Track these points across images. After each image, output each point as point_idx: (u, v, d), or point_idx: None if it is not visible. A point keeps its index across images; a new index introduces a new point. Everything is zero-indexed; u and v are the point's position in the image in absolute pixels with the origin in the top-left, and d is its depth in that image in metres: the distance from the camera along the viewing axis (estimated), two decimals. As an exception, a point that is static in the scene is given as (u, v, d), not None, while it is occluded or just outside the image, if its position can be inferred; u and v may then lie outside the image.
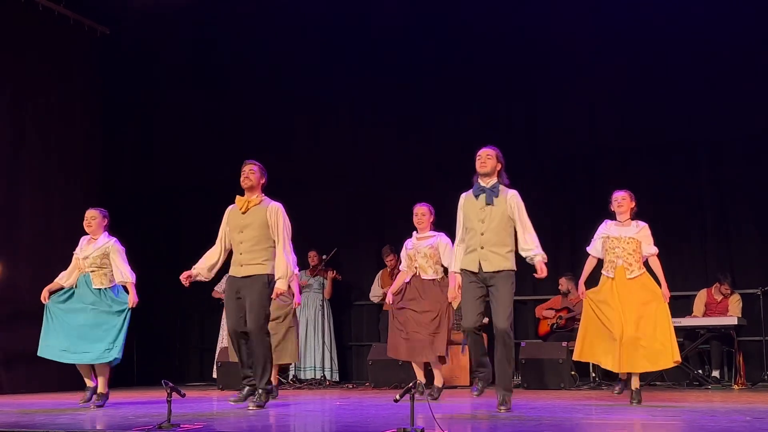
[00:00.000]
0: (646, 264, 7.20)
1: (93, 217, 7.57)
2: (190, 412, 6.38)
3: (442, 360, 8.01)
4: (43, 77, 10.96)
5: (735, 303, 9.92)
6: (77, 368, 7.50)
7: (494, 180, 6.44)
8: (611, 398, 7.52)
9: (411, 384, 4.88)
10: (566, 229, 11.13)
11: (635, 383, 7.08)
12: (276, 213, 6.81)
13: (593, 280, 7.43)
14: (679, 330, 9.75)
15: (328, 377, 11.20)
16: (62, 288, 7.53)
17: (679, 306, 10.20)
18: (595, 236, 7.32)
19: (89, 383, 7.48)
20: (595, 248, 7.31)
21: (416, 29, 11.82)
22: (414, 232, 8.18)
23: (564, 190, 11.39)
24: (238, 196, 6.96)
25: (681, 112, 10.75)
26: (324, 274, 11.46)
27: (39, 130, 10.86)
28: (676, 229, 10.68)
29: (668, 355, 6.99)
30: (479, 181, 6.48)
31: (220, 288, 10.44)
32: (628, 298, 7.02)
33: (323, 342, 11.35)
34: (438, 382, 8.04)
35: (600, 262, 7.33)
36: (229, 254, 7.04)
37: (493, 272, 6.29)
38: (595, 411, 6.52)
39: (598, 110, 11.18)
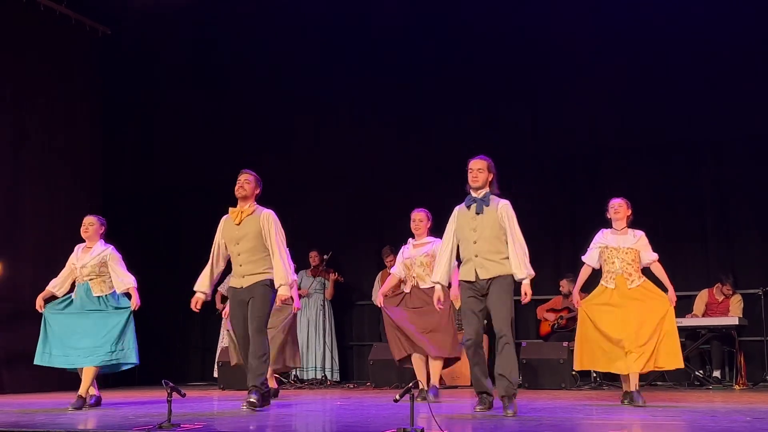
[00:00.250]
0: (646, 271, 7.18)
1: (90, 224, 7.55)
2: (190, 412, 6.38)
3: (448, 362, 7.99)
4: (44, 77, 10.97)
5: (736, 303, 9.92)
6: (79, 375, 7.47)
7: (485, 190, 6.44)
8: (612, 398, 7.51)
9: (411, 384, 4.88)
10: (567, 230, 11.13)
11: (635, 384, 7.06)
12: (268, 220, 6.78)
13: (589, 288, 7.43)
14: (680, 330, 9.76)
15: (329, 377, 11.20)
16: (55, 297, 7.51)
17: (680, 306, 10.16)
18: (592, 245, 7.29)
19: (91, 392, 7.45)
20: (591, 257, 7.28)
21: (416, 29, 11.81)
22: (411, 239, 8.13)
23: (564, 191, 11.39)
24: (231, 208, 6.93)
25: (681, 112, 10.75)
26: (326, 276, 11.46)
27: (40, 130, 10.87)
28: (676, 229, 10.69)
29: (675, 358, 6.99)
30: (471, 192, 6.49)
31: (223, 289, 10.36)
32: (630, 306, 7.00)
33: (324, 342, 11.35)
34: (434, 381, 7.97)
35: (595, 271, 7.32)
36: (227, 263, 7.04)
37: (490, 279, 6.28)
38: (595, 411, 6.52)
39: (598, 110, 11.17)
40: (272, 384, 8.42)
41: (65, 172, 11.09)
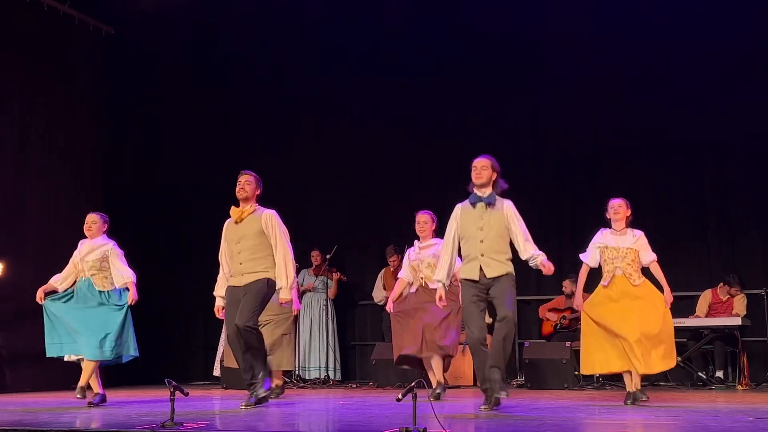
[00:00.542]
0: (645, 271, 7.18)
1: (93, 222, 7.59)
2: (193, 411, 6.37)
3: (447, 359, 7.99)
4: (47, 76, 10.98)
5: (740, 300, 9.90)
6: (81, 366, 7.49)
7: (490, 189, 6.50)
8: (615, 399, 7.51)
9: (414, 383, 4.88)
10: (568, 230, 11.13)
11: (636, 384, 7.07)
12: (271, 220, 6.80)
13: (590, 287, 7.42)
14: (683, 330, 9.80)
15: (331, 377, 11.20)
16: (56, 291, 7.52)
17: (683, 306, 10.20)
18: (591, 245, 7.29)
19: (95, 389, 7.45)
20: (591, 257, 7.28)
21: (416, 29, 11.82)
22: (416, 241, 8.13)
23: (565, 191, 11.40)
24: (233, 207, 6.94)
25: (681, 112, 10.75)
26: (329, 275, 11.46)
27: (42, 130, 10.89)
28: (677, 229, 10.70)
29: (672, 359, 7.01)
30: (475, 191, 6.52)
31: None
32: (631, 302, 7.00)
33: (327, 342, 11.35)
34: (438, 377, 7.98)
35: (594, 270, 7.33)
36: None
37: (495, 277, 6.35)
38: (598, 411, 6.52)
39: (598, 110, 11.18)
40: (279, 381, 8.42)
41: (67, 172, 11.10)
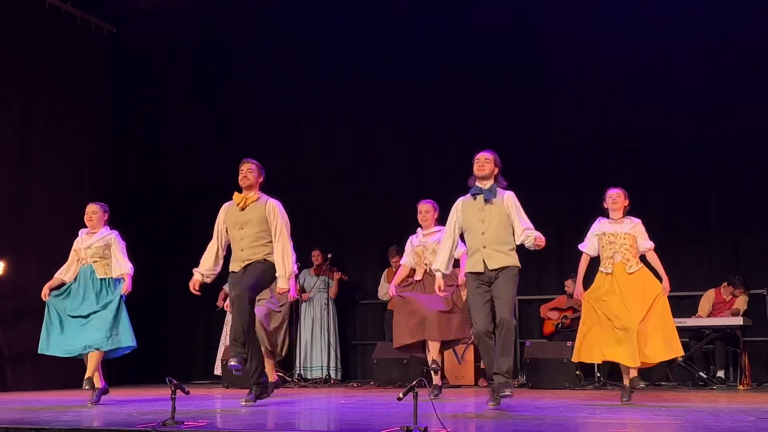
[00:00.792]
0: (643, 260, 7.19)
1: (94, 212, 7.61)
2: (194, 410, 6.36)
3: (451, 342, 7.98)
4: (49, 76, 10.98)
5: (742, 300, 9.88)
6: (85, 362, 7.49)
7: (491, 182, 6.58)
8: (616, 398, 7.50)
9: (415, 382, 4.88)
10: (569, 230, 11.10)
11: (628, 377, 7.07)
12: (274, 210, 6.84)
13: (589, 279, 7.42)
14: (684, 330, 9.79)
15: (332, 376, 11.21)
16: (63, 283, 7.55)
17: (685, 306, 10.21)
18: (589, 234, 7.31)
19: (96, 384, 7.45)
20: (590, 246, 7.29)
21: (416, 29, 11.83)
22: (419, 229, 8.15)
23: (564, 191, 11.40)
24: (236, 193, 6.96)
25: (681, 112, 10.76)
26: (330, 275, 11.46)
27: (44, 129, 10.89)
28: (679, 229, 10.71)
29: (674, 347, 6.99)
30: (477, 183, 6.59)
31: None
32: (630, 290, 7.01)
33: (328, 341, 11.35)
34: (436, 380, 7.98)
35: (594, 261, 7.33)
36: (228, 250, 7.05)
37: (498, 269, 6.40)
38: (599, 410, 6.51)
39: (598, 110, 11.18)
40: (272, 377, 8.41)
41: (68, 171, 11.11)
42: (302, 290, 11.34)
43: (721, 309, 9.94)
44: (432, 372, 7.81)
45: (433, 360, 7.85)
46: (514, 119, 11.60)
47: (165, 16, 11.81)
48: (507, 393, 6.28)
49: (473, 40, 11.61)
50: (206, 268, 7.01)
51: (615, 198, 7.21)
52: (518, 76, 11.49)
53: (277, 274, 6.75)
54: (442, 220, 7.97)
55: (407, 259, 8.18)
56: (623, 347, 6.95)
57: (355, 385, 10.64)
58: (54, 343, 7.38)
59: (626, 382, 7.13)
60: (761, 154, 10.49)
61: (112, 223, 7.82)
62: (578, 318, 10.03)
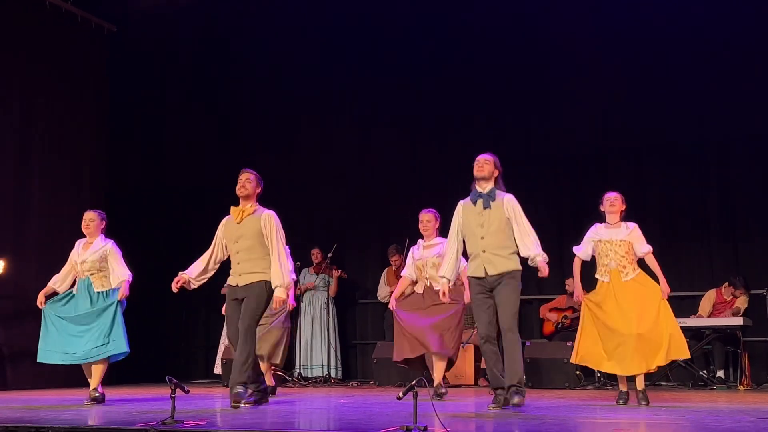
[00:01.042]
0: (641, 263, 7.17)
1: (91, 219, 7.59)
2: (194, 409, 6.37)
3: (450, 362, 7.98)
4: (49, 76, 10.98)
5: (742, 300, 9.86)
6: (84, 372, 7.49)
7: (491, 185, 6.52)
8: (615, 398, 7.50)
9: (415, 381, 4.88)
10: (569, 230, 11.08)
11: (640, 384, 7.07)
12: (269, 221, 6.81)
13: (586, 281, 7.41)
14: (685, 330, 9.76)
15: (332, 375, 11.21)
16: (56, 293, 7.53)
17: (685, 306, 10.21)
18: (585, 239, 7.27)
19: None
20: (583, 251, 7.26)
21: (416, 29, 11.83)
22: (420, 240, 8.11)
23: (565, 191, 11.40)
24: (233, 207, 6.95)
25: (681, 112, 10.76)
26: (330, 273, 11.46)
27: (46, 129, 10.90)
28: (679, 229, 10.71)
29: (680, 345, 6.97)
30: (476, 186, 6.55)
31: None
32: (627, 298, 6.97)
33: (328, 340, 11.35)
34: (437, 379, 7.96)
35: (587, 264, 7.31)
36: (222, 265, 7.05)
37: (498, 275, 6.36)
38: (599, 410, 6.51)
39: (598, 110, 11.18)
40: (270, 381, 8.41)
41: (68, 171, 11.11)
42: (303, 293, 11.33)
43: (722, 309, 9.93)
44: (437, 394, 7.76)
45: (438, 384, 7.83)
46: (515, 119, 11.60)
47: (165, 15, 11.82)
48: (516, 401, 6.25)
49: (473, 40, 11.61)
50: (194, 274, 6.99)
51: (612, 201, 7.17)
52: (518, 76, 11.48)
53: (273, 285, 6.74)
54: (443, 230, 7.95)
55: (408, 271, 8.14)
56: (621, 357, 6.92)
57: (355, 384, 10.64)
58: (53, 350, 7.38)
59: (622, 387, 7.11)
60: (761, 154, 10.49)
61: (112, 223, 7.82)
62: (578, 318, 10.05)
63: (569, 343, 9.54)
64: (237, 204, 6.95)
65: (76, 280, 7.55)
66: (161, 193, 12.87)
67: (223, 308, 7.05)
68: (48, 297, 7.51)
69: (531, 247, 6.39)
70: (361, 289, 12.08)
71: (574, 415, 6.07)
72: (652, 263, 7.16)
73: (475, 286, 6.47)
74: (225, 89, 12.79)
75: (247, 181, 6.90)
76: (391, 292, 8.83)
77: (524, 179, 10.99)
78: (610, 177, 10.93)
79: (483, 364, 9.94)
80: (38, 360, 7.46)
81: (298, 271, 10.73)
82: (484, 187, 6.51)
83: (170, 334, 12.60)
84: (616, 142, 11.13)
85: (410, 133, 12.12)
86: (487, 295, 6.41)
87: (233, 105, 12.79)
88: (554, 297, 10.74)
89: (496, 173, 6.55)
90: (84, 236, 7.62)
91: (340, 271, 11.55)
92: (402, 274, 8.31)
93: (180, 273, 7.01)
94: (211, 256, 7.01)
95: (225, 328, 10.57)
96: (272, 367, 8.55)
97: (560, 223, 11.20)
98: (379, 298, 11.33)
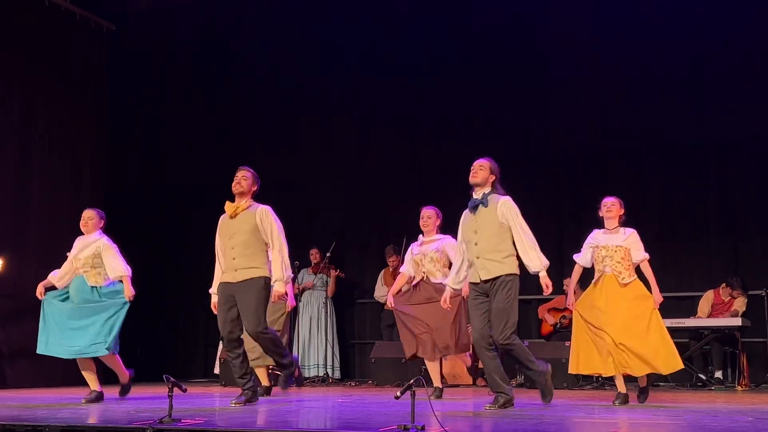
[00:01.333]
0: (638, 270, 7.15)
1: (90, 218, 7.60)
2: (191, 408, 6.37)
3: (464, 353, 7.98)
4: (48, 75, 10.98)
5: (740, 301, 9.85)
6: (81, 372, 7.50)
7: (486, 190, 6.45)
8: (614, 398, 7.49)
9: (412, 381, 4.87)
10: (569, 230, 11.09)
11: (642, 382, 7.07)
12: (266, 216, 6.79)
13: (583, 287, 7.41)
14: (683, 330, 9.78)
15: (330, 375, 11.20)
16: (54, 287, 7.54)
17: (684, 307, 10.19)
18: (584, 246, 7.25)
19: (93, 387, 7.45)
20: (583, 258, 7.24)
21: (416, 29, 11.83)
22: (420, 236, 8.11)
23: (565, 191, 11.39)
24: (227, 202, 6.94)
25: (681, 112, 10.76)
26: (327, 272, 11.46)
27: (46, 129, 10.90)
28: (679, 229, 10.70)
29: (669, 359, 6.95)
30: (473, 194, 6.50)
31: None
32: (618, 301, 6.94)
33: (326, 339, 11.35)
34: (436, 383, 7.95)
35: (587, 272, 7.30)
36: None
37: (491, 279, 6.31)
38: (597, 410, 6.51)
39: (598, 110, 11.18)
40: (265, 382, 8.41)
41: (69, 171, 11.11)
42: (301, 292, 11.33)
43: (720, 310, 9.92)
44: (433, 394, 7.78)
45: (436, 387, 7.86)
46: (514, 119, 11.59)
47: (165, 15, 11.82)
48: (546, 400, 6.38)
49: (473, 40, 11.61)
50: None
51: (609, 206, 7.13)
52: (518, 76, 11.47)
53: (273, 279, 6.72)
54: (444, 228, 7.97)
55: (407, 268, 8.14)
56: (608, 362, 6.91)
57: (353, 384, 10.64)
58: (52, 343, 7.38)
59: (620, 388, 7.10)
60: (761, 154, 10.48)
61: (112, 223, 7.82)
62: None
63: (567, 344, 9.53)
64: (233, 200, 6.94)
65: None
66: (161, 193, 12.88)
67: (212, 305, 6.98)
68: (47, 290, 7.51)
69: (533, 258, 6.33)
70: (360, 289, 12.08)
71: (572, 415, 6.07)
72: (647, 271, 7.12)
73: (472, 291, 6.45)
74: (225, 89, 12.78)
75: (243, 178, 6.89)
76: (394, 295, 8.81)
77: (524, 179, 11.00)
78: (609, 177, 10.93)
79: (481, 364, 9.94)
80: (37, 352, 7.46)
81: (296, 270, 10.76)
82: (479, 193, 6.47)
83: (169, 333, 12.59)
84: (616, 142, 11.12)
85: (410, 133, 12.12)
86: (483, 299, 6.36)
87: (233, 105, 12.78)
88: (553, 297, 10.72)
89: (492, 178, 6.47)
90: (83, 235, 7.62)
91: (337, 270, 11.54)
92: (401, 270, 8.30)
93: (212, 296, 6.98)
94: (221, 264, 6.96)
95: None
96: (269, 367, 8.53)
97: (560, 223, 11.19)
98: (375, 297, 11.33)
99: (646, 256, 7.09)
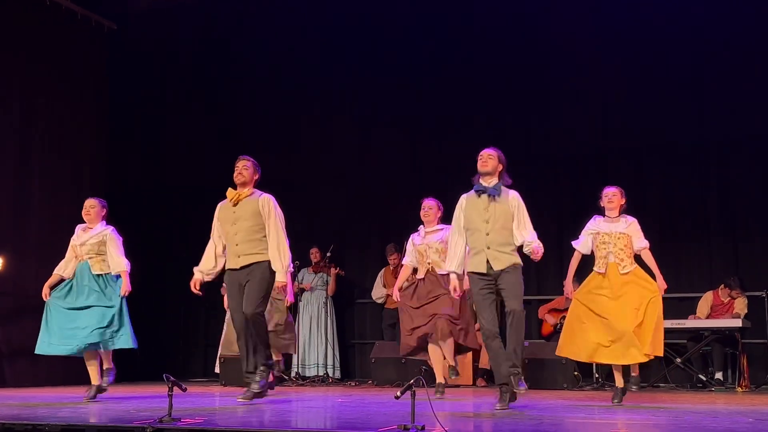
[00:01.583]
0: (638, 259, 7.15)
1: (92, 206, 7.63)
2: (191, 407, 6.37)
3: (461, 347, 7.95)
4: (49, 75, 10.98)
5: (741, 302, 9.84)
6: (85, 362, 7.51)
7: (495, 180, 6.48)
8: (612, 397, 7.49)
9: (412, 381, 4.87)
10: (569, 230, 11.04)
11: (635, 370, 7.06)
12: (268, 204, 6.82)
13: (581, 278, 7.39)
14: (683, 332, 9.77)
15: (330, 374, 11.20)
16: (62, 280, 7.56)
17: (685, 307, 10.18)
18: (583, 232, 7.23)
19: (94, 381, 7.47)
20: (583, 244, 7.21)
21: (416, 29, 11.83)
22: (421, 227, 8.10)
23: (565, 191, 11.38)
24: (229, 189, 6.96)
25: (681, 112, 10.76)
26: (327, 271, 11.46)
27: (46, 129, 10.90)
28: (679, 229, 10.69)
29: (657, 346, 6.90)
30: (480, 181, 6.51)
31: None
32: (622, 292, 6.92)
33: (326, 339, 11.35)
34: (449, 359, 7.89)
35: (585, 259, 7.29)
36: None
37: (503, 269, 6.35)
38: (597, 411, 6.51)
39: (598, 110, 11.18)
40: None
41: (69, 171, 11.12)
42: (299, 293, 11.33)
43: (720, 311, 9.91)
44: (451, 374, 7.77)
45: (439, 384, 7.85)
46: (515, 119, 11.59)
47: (165, 15, 11.82)
48: (522, 390, 6.27)
49: (473, 40, 11.61)
50: (207, 268, 7.02)
51: (611, 197, 7.13)
52: (518, 76, 11.48)
53: (273, 268, 6.74)
54: (445, 220, 7.95)
55: (409, 259, 8.12)
56: (614, 347, 6.87)
57: (353, 384, 10.64)
58: (53, 342, 7.39)
59: (618, 383, 7.10)
60: (761, 154, 10.48)
61: (112, 222, 7.82)
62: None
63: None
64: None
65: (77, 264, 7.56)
66: (161, 192, 12.88)
67: (192, 282, 7.00)
68: (52, 288, 7.52)
69: (526, 235, 6.39)
70: (360, 289, 12.06)
71: (572, 415, 6.07)
72: (649, 259, 7.11)
73: (477, 282, 6.42)
74: (225, 89, 12.78)
75: (244, 168, 6.92)
76: (388, 294, 8.81)
77: (524, 179, 10.87)
78: (610, 177, 10.83)
79: (481, 365, 9.94)
80: (36, 351, 7.47)
81: (297, 270, 10.76)
82: (489, 182, 6.48)
83: (169, 332, 12.59)
84: (616, 142, 11.12)
85: (410, 133, 12.12)
86: (491, 290, 6.39)
87: (233, 105, 12.78)
88: (553, 298, 10.72)
89: (500, 168, 6.53)
90: (84, 223, 7.65)
91: (338, 269, 11.54)
92: (403, 262, 8.27)
93: (195, 273, 6.98)
94: (215, 247, 6.99)
95: (225, 327, 10.65)
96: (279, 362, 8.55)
97: (560, 223, 11.18)
98: (373, 298, 11.30)
99: (647, 243, 7.09)
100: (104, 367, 7.47)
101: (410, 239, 8.15)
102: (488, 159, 6.50)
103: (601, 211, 7.23)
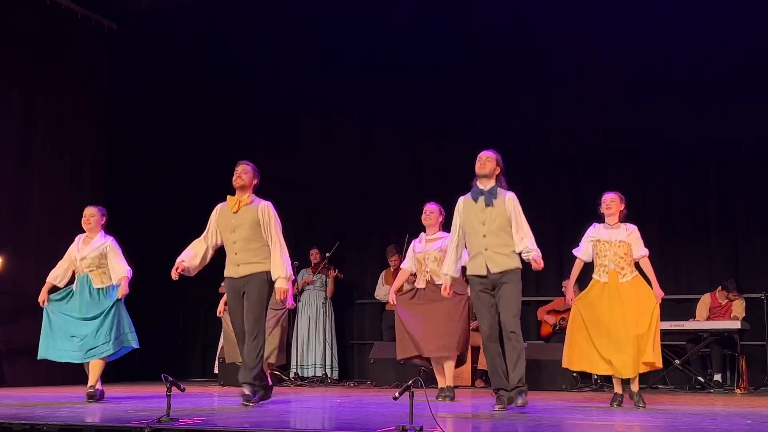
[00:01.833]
0: (637, 266, 7.14)
1: (92, 215, 7.59)
2: (190, 407, 6.36)
3: (460, 359, 7.94)
4: (50, 73, 10.98)
5: (739, 304, 9.83)
6: (84, 368, 7.49)
7: (493, 183, 6.50)
8: (610, 400, 7.48)
9: (411, 382, 4.87)
10: (569, 230, 11.06)
11: (635, 386, 7.05)
12: (267, 212, 6.81)
13: (581, 284, 7.40)
14: (682, 333, 9.76)
15: (329, 375, 11.20)
16: (56, 288, 7.53)
17: (683, 309, 10.18)
18: (584, 239, 7.22)
19: (91, 382, 7.46)
20: (584, 251, 7.20)
21: (416, 29, 11.83)
22: (422, 233, 8.08)
23: (565, 191, 11.39)
24: (229, 196, 6.96)
25: (681, 112, 10.76)
26: (326, 272, 11.46)
27: (46, 129, 10.90)
28: (679, 230, 10.69)
29: (657, 356, 6.91)
30: (477, 183, 6.52)
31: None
32: (624, 300, 6.93)
33: (325, 340, 11.34)
34: (449, 381, 7.91)
35: (587, 266, 7.29)
36: (219, 252, 7.05)
37: (501, 272, 6.35)
38: (595, 412, 6.50)
39: (598, 110, 11.17)
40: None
41: (69, 171, 11.12)
42: (301, 290, 11.33)
43: (718, 313, 9.89)
44: (444, 396, 7.76)
45: (448, 387, 7.81)
46: (515, 119, 11.59)
47: (166, 15, 11.82)
48: (521, 402, 6.26)
49: (473, 40, 11.61)
50: (189, 261, 6.99)
51: (609, 203, 7.12)
52: (518, 76, 11.48)
53: (274, 277, 6.73)
54: (446, 226, 7.93)
55: (408, 264, 8.10)
56: (616, 360, 6.87)
57: (352, 384, 10.64)
58: (54, 347, 7.37)
59: (617, 389, 7.09)
60: (761, 154, 10.48)
61: (112, 223, 7.82)
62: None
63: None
64: (234, 195, 6.95)
65: (75, 275, 7.55)
66: (161, 192, 12.89)
67: (218, 308, 7.03)
68: (49, 293, 7.50)
69: (526, 241, 6.38)
70: (360, 289, 12.08)
71: (571, 417, 6.07)
72: (647, 267, 7.11)
73: (476, 284, 6.44)
74: (225, 89, 12.79)
75: (243, 172, 6.91)
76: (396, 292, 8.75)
77: (524, 179, 10.94)
78: (610, 177, 10.92)
79: (480, 365, 9.93)
80: (39, 357, 7.46)
81: (296, 270, 10.74)
82: (485, 185, 6.49)
83: (168, 333, 12.59)
84: (616, 142, 11.12)
85: (410, 133, 12.13)
86: (490, 293, 6.40)
87: (233, 105, 12.78)
88: (552, 299, 10.72)
89: (498, 170, 6.53)
90: (84, 232, 7.62)
91: (336, 271, 11.54)
92: (402, 266, 8.26)
93: (178, 260, 6.97)
94: (207, 246, 6.97)
95: (224, 326, 10.64)
96: (269, 366, 8.53)
97: (560, 223, 11.19)
98: (376, 297, 11.31)
99: (646, 252, 7.09)
100: (90, 384, 7.38)
101: (412, 244, 8.12)
102: (486, 161, 6.51)
103: (600, 218, 7.22)
